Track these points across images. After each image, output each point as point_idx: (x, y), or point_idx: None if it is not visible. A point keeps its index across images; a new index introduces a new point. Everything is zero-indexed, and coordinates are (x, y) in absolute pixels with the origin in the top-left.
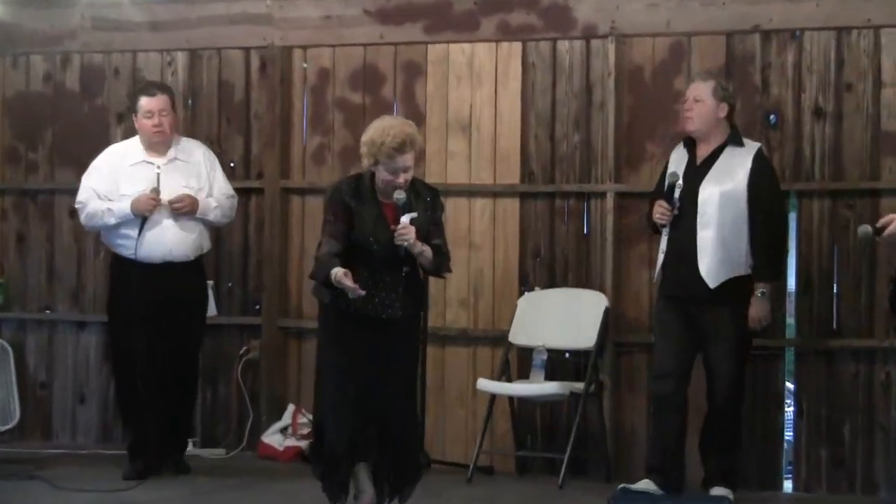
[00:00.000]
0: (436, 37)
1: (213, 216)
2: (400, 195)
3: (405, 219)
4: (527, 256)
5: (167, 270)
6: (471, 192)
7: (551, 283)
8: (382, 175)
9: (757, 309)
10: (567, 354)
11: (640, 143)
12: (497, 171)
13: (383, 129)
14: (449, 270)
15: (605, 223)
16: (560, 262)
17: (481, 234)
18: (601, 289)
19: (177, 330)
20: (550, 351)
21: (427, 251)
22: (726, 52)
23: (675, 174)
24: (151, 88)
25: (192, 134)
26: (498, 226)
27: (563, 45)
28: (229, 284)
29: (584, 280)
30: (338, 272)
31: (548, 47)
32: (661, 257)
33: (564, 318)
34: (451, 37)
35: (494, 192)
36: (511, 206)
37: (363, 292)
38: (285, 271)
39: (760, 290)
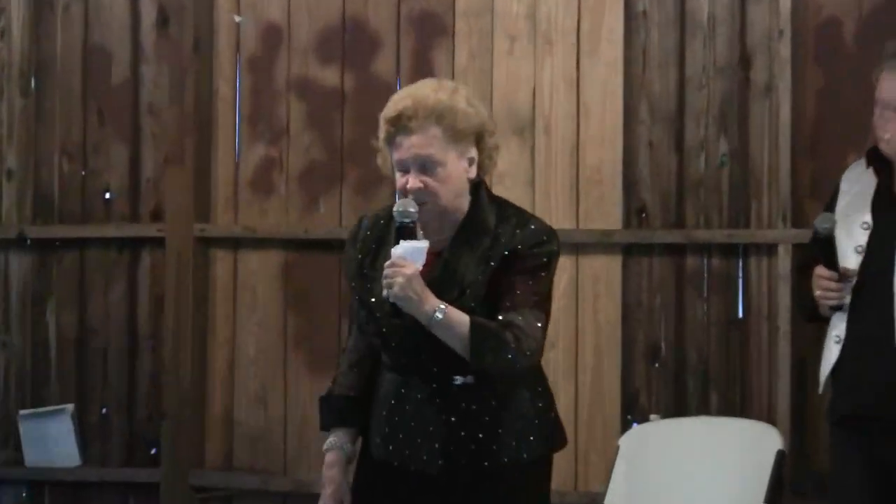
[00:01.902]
0: None
1: None
2: (404, 207)
3: (400, 249)
4: (635, 358)
5: None
6: None
7: (680, 409)
8: (396, 176)
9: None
10: None
11: (837, 155)
12: (581, 207)
13: (393, 97)
14: (514, 364)
15: (776, 297)
16: (695, 370)
17: (553, 318)
18: (770, 417)
19: None
20: None
21: (455, 321)
22: None
23: (827, 216)
24: None
25: (35, 140)
26: (584, 303)
27: None
28: (103, 411)
29: (739, 401)
30: (327, 478)
31: None
32: (832, 351)
33: (706, 469)
34: None
35: (576, 245)
36: (606, 269)
37: None
38: (203, 387)
39: None
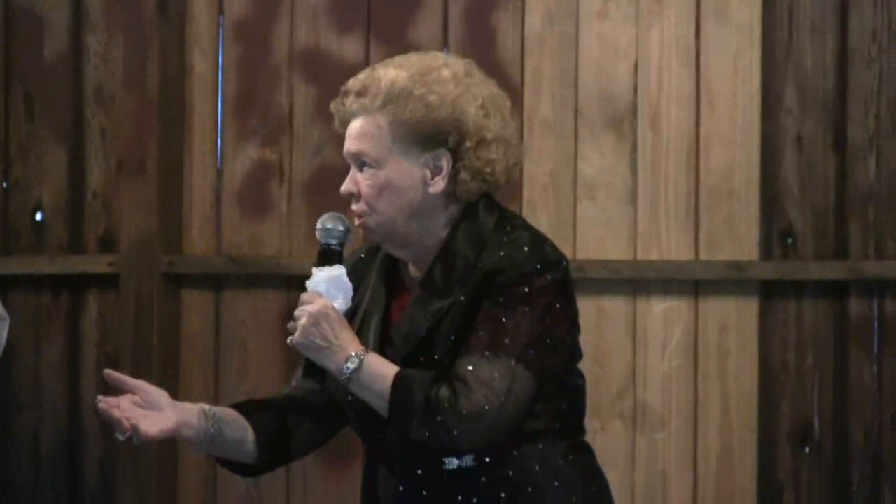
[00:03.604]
0: None
1: None
2: (332, 223)
3: (313, 281)
4: (778, 440)
5: None
6: (636, 280)
7: None
8: None
9: None
10: None
11: None
12: (702, 229)
13: None
14: (448, 432)
15: None
16: (862, 458)
17: (662, 384)
18: None
19: None
20: None
21: (374, 374)
22: None
23: None
24: None
25: None
26: (706, 364)
27: None
28: None
29: None
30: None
31: None
32: None
33: None
34: None
35: (696, 283)
36: (738, 316)
37: (124, 431)
38: (173, 486)
39: None
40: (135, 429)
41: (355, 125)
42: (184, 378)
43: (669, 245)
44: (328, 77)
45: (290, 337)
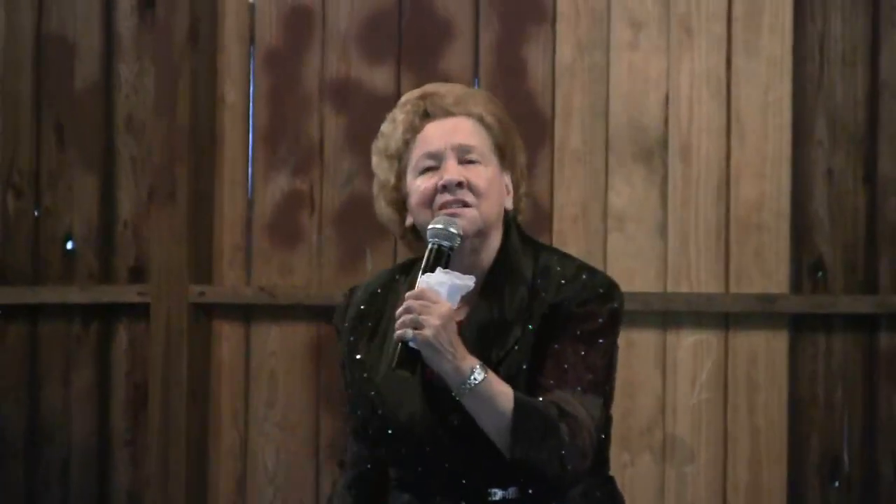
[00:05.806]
0: None
1: None
2: (444, 225)
3: (435, 278)
4: (807, 474)
5: None
6: (665, 313)
7: None
8: (414, 187)
9: None
10: None
11: None
12: (732, 262)
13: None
14: (564, 466)
15: None
16: (892, 492)
17: (692, 417)
18: None
19: None
20: None
21: (497, 390)
22: None
23: None
24: None
25: None
26: (736, 397)
27: None
28: None
29: None
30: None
31: None
32: None
33: None
34: None
35: (725, 316)
36: (768, 350)
37: None
38: None
39: None
40: None
41: (458, 121)
42: (214, 408)
43: (699, 277)
44: (358, 107)
45: (407, 332)
